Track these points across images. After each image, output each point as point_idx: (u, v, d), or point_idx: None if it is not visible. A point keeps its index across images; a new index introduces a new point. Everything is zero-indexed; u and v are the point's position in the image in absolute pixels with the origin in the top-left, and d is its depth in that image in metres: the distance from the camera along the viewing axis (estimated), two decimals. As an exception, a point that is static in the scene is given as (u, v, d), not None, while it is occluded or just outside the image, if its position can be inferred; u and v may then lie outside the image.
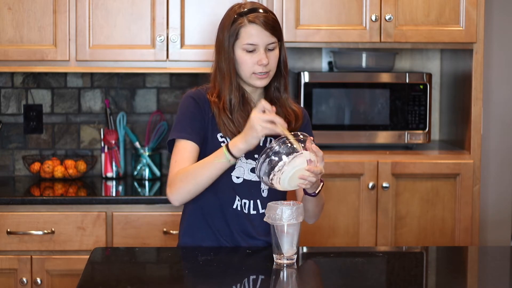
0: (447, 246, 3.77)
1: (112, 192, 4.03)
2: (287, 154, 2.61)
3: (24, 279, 3.74)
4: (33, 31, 3.92)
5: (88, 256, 2.82)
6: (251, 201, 2.86)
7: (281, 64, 2.89)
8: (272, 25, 2.81)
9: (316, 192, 2.77)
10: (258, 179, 2.82)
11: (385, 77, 4.05)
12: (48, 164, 4.16)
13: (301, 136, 2.65)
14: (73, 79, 4.32)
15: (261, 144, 2.83)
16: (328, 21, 3.90)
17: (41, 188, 4.03)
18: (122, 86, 4.33)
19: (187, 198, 2.79)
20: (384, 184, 3.89)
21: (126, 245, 3.73)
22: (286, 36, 3.87)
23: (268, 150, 2.62)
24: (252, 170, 2.84)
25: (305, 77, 3.98)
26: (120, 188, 4.08)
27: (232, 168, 2.84)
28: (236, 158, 2.70)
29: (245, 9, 2.83)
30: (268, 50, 2.82)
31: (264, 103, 2.68)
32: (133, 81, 4.34)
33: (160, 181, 4.16)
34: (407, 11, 3.91)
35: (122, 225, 3.77)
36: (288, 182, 2.63)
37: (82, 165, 4.18)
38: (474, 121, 3.97)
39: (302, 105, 3.96)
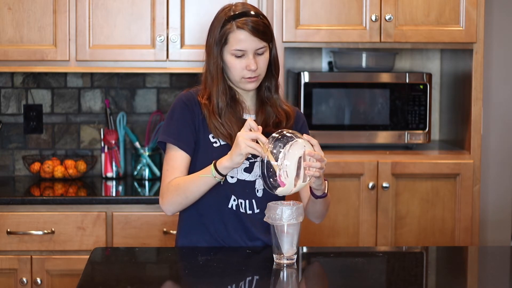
0: (447, 246, 3.77)
1: (112, 192, 4.03)
2: (284, 145, 2.61)
3: (24, 279, 3.74)
4: (33, 31, 3.92)
5: (88, 256, 2.82)
6: (247, 201, 2.86)
7: (272, 65, 2.89)
8: (262, 30, 2.80)
9: (326, 192, 2.78)
10: (252, 179, 2.84)
11: (385, 77, 4.05)
12: (48, 164, 4.16)
13: (288, 133, 2.64)
14: (73, 79, 4.32)
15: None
16: (328, 21, 3.90)
17: (41, 188, 4.03)
18: (122, 86, 4.33)
19: (178, 209, 2.84)
20: (384, 184, 3.89)
21: (126, 245, 3.73)
22: (286, 36, 3.88)
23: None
24: (246, 170, 2.85)
25: (305, 77, 3.98)
26: (120, 188, 4.08)
27: None
28: (222, 175, 2.72)
29: (235, 13, 2.80)
30: (257, 54, 2.82)
31: (250, 122, 2.68)
32: (133, 81, 4.34)
33: (160, 181, 4.16)
34: (407, 11, 3.91)
35: (122, 225, 3.77)
36: (295, 170, 2.61)
37: (82, 165, 4.18)
38: (474, 121, 3.97)
39: (302, 105, 3.96)
